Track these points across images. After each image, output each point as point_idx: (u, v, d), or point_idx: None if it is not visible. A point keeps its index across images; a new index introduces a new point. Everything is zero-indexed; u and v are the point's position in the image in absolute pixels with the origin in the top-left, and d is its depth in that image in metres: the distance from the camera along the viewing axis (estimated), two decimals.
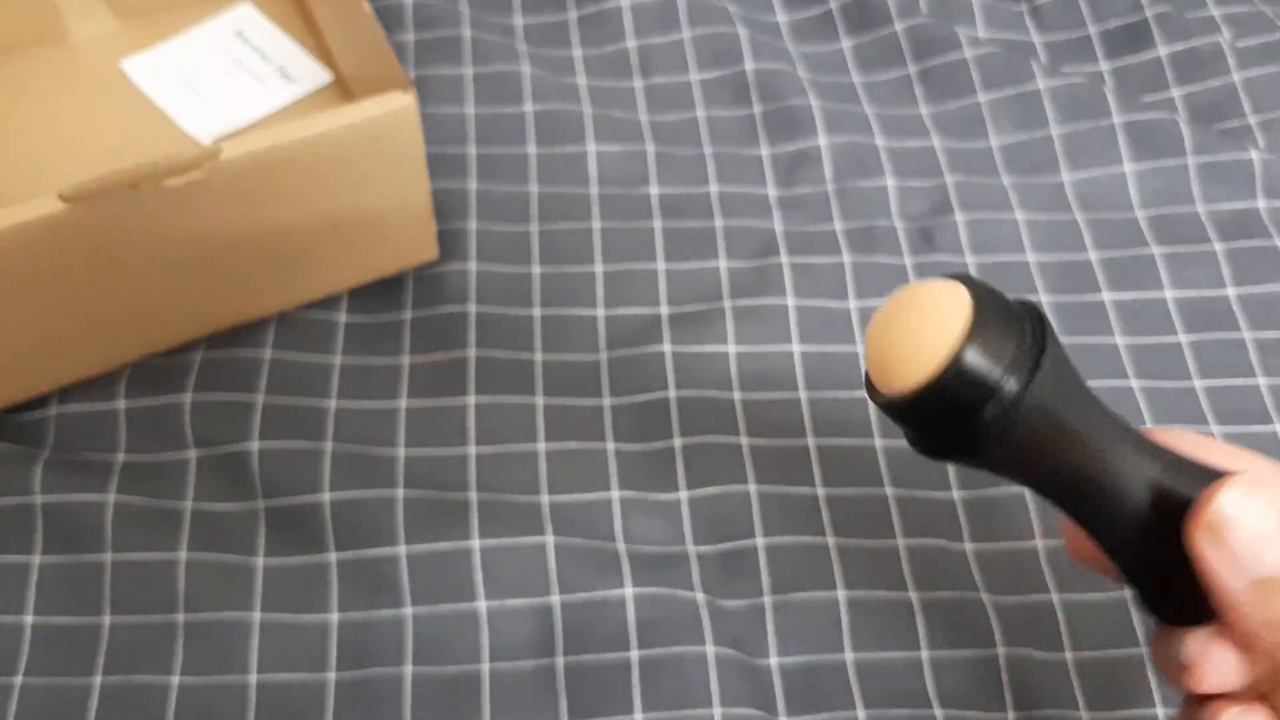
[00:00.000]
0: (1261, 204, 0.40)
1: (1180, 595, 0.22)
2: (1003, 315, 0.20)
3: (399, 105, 0.32)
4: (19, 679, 0.30)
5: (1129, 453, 0.21)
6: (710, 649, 0.30)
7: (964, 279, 0.21)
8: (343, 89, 0.41)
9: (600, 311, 0.37)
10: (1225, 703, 0.21)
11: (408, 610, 0.31)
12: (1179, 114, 0.42)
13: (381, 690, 0.30)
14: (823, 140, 0.41)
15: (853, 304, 0.37)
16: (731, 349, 0.36)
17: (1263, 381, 0.36)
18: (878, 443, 0.35)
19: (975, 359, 0.20)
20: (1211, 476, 0.21)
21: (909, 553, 0.33)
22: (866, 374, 0.22)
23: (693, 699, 0.30)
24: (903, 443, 0.34)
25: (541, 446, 0.34)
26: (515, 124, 0.41)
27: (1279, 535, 0.20)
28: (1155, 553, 0.21)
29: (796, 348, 0.36)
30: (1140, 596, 0.23)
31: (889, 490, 0.34)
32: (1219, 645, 0.21)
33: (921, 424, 0.21)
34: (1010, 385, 0.20)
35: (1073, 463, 0.21)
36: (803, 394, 0.35)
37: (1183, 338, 0.37)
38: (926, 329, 0.20)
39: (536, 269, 0.38)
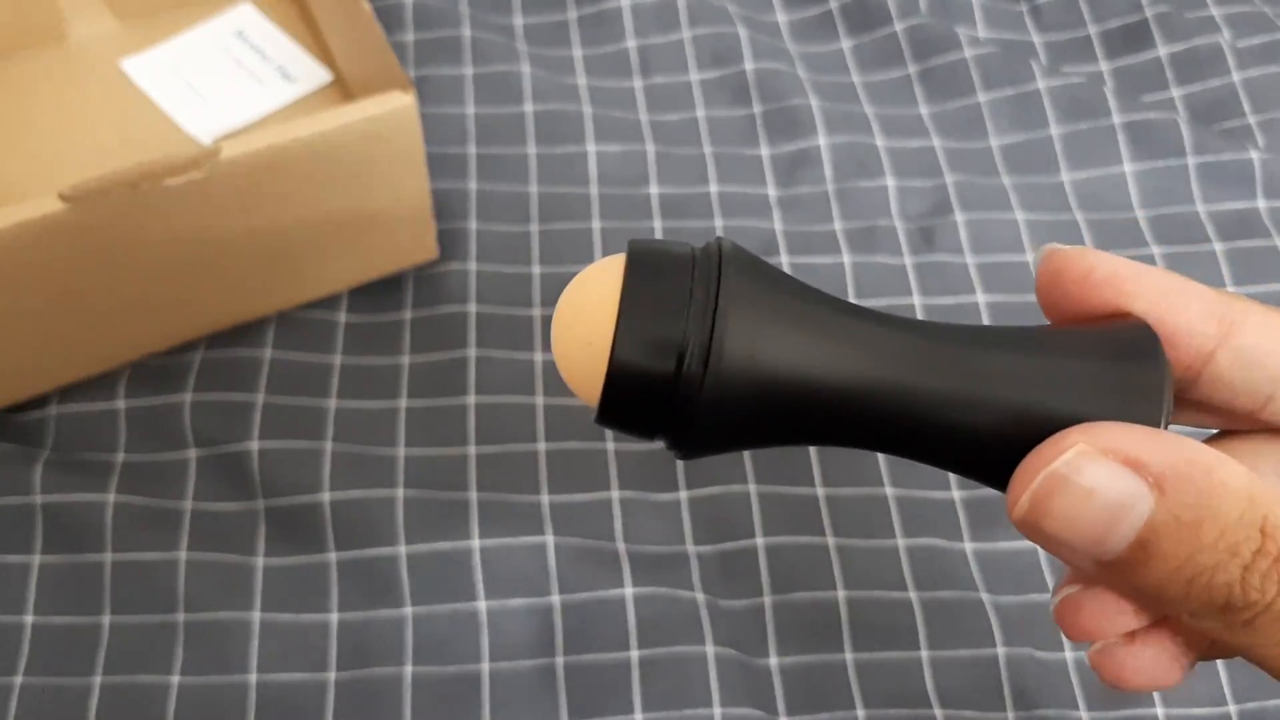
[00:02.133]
0: (1261, 204, 0.40)
1: None
2: (655, 284, 0.17)
3: (399, 105, 0.32)
4: (19, 679, 0.30)
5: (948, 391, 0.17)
6: (710, 649, 0.30)
7: (633, 245, 0.17)
8: (343, 89, 0.41)
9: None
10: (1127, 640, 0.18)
11: (408, 610, 0.31)
12: (1179, 114, 0.42)
13: (381, 690, 0.30)
14: (823, 140, 0.41)
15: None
16: None
17: None
18: None
19: (630, 345, 0.16)
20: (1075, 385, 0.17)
21: (909, 553, 0.33)
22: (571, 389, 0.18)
23: (693, 699, 0.30)
24: None
25: (541, 446, 0.34)
26: (515, 124, 0.41)
27: (1121, 511, 0.16)
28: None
29: None
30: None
31: (889, 490, 0.34)
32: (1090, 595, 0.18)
33: (639, 429, 0.18)
34: (694, 357, 0.16)
35: (818, 396, 0.17)
36: None
37: None
38: (584, 328, 0.17)
39: (536, 269, 0.38)
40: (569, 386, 0.18)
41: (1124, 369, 0.17)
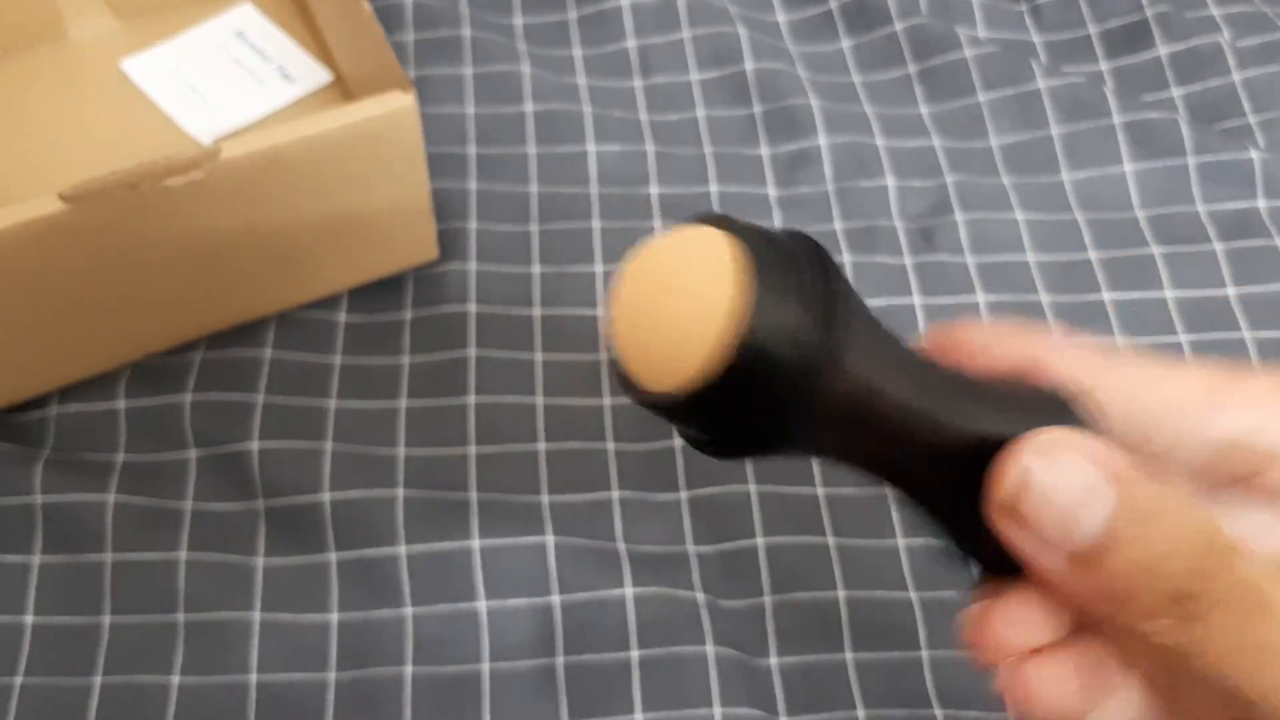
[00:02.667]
0: (1261, 203, 0.40)
1: (985, 548, 0.19)
2: (780, 262, 0.15)
3: (399, 105, 0.32)
4: (19, 679, 0.30)
5: (949, 397, 0.17)
6: (710, 649, 0.30)
7: (712, 220, 0.16)
8: (343, 89, 0.41)
9: (600, 311, 0.37)
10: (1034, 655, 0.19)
11: (408, 610, 0.31)
12: (1179, 113, 0.42)
13: (382, 690, 0.30)
14: (823, 140, 0.41)
15: None
16: None
17: None
18: None
19: (766, 331, 0.15)
20: (1027, 411, 0.18)
21: (909, 553, 0.33)
22: (617, 366, 0.17)
23: (693, 699, 0.30)
24: None
25: (541, 446, 0.34)
26: (515, 124, 0.41)
27: (1089, 496, 0.17)
28: (973, 506, 0.18)
29: None
30: (959, 552, 0.20)
31: (889, 490, 0.34)
32: (1018, 605, 0.19)
33: (709, 421, 0.16)
34: (814, 351, 0.15)
35: (893, 424, 0.17)
36: None
37: (1183, 337, 0.37)
38: (693, 303, 0.15)
39: (536, 269, 0.38)
40: (635, 366, 0.16)
41: (1057, 401, 0.18)
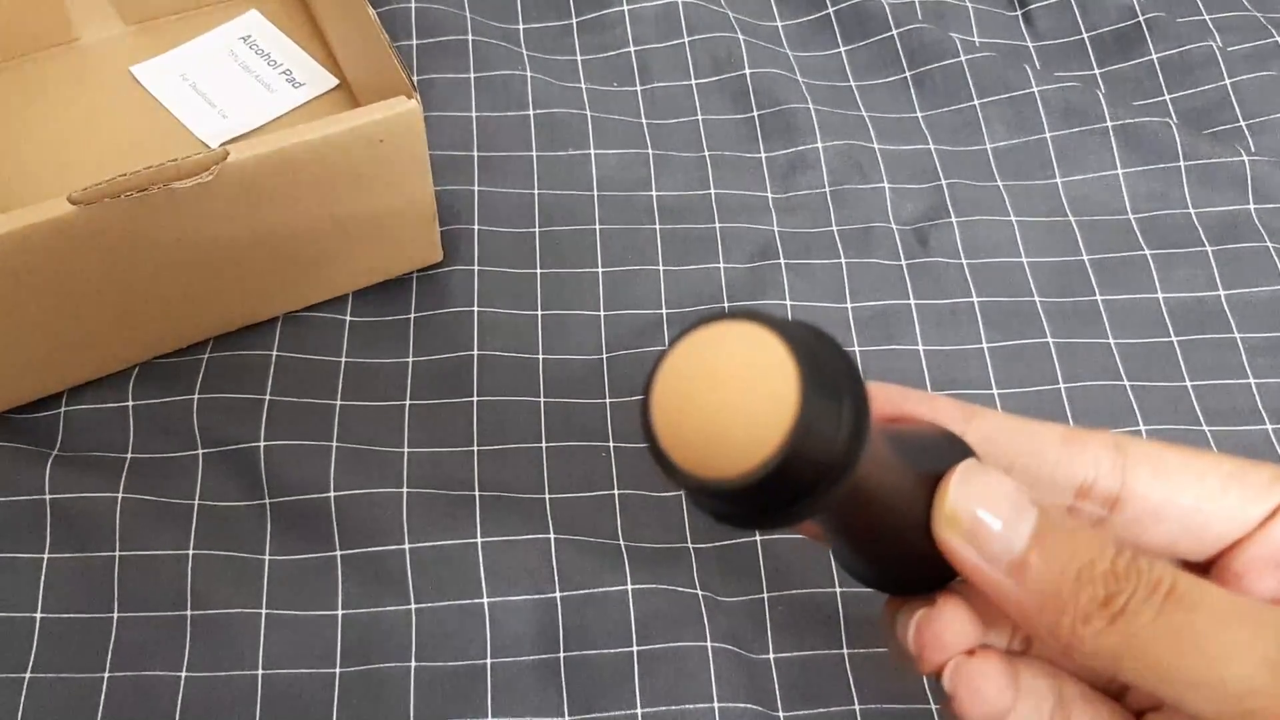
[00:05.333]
0: (1252, 206, 0.40)
1: (922, 572, 0.21)
2: (822, 362, 0.17)
3: (403, 109, 0.32)
4: (29, 674, 0.30)
5: (904, 467, 0.20)
6: (709, 644, 0.31)
7: (749, 316, 0.17)
8: (348, 94, 0.41)
9: (601, 312, 0.38)
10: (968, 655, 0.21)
11: (412, 605, 0.31)
12: (1170, 118, 0.42)
13: (386, 684, 0.30)
14: (820, 143, 0.41)
15: (850, 306, 0.38)
16: None
17: (1253, 381, 0.37)
18: None
19: (818, 426, 0.16)
20: (947, 450, 0.20)
21: None
22: (658, 448, 0.17)
23: (692, 693, 0.30)
24: None
25: (544, 445, 0.35)
26: (518, 127, 0.42)
27: (1016, 509, 0.19)
28: (911, 543, 0.20)
29: None
30: (879, 580, 0.22)
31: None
32: (951, 612, 0.21)
33: (745, 502, 0.17)
34: (846, 449, 0.17)
35: (881, 496, 0.19)
36: None
37: (1174, 339, 0.38)
38: (752, 401, 0.16)
39: (539, 270, 0.38)
40: (681, 454, 0.17)
41: (962, 443, 0.21)
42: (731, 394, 0.16)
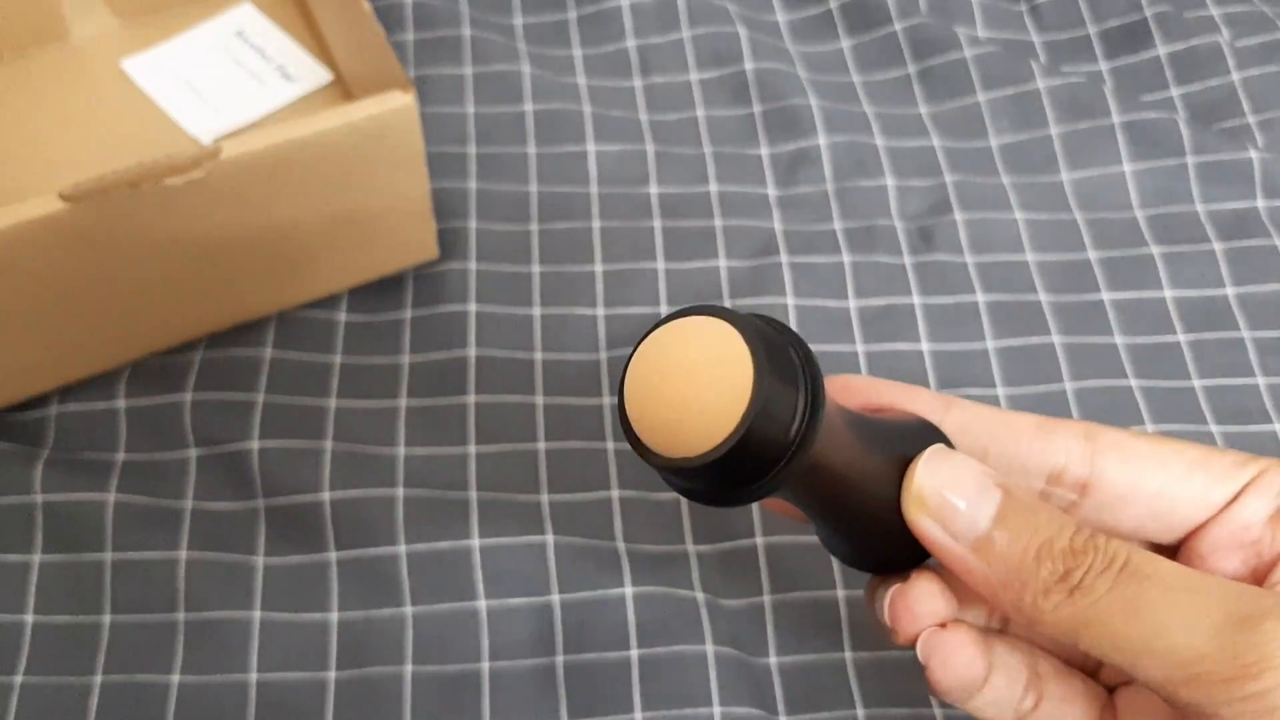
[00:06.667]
0: (1260, 203, 0.40)
1: (896, 551, 0.22)
2: (777, 352, 0.19)
3: (399, 105, 0.32)
4: (19, 678, 0.30)
5: (873, 451, 0.21)
6: (710, 648, 0.30)
7: (713, 311, 0.19)
8: (343, 88, 0.41)
9: (600, 311, 0.37)
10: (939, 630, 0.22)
11: (408, 609, 0.31)
12: (1178, 113, 0.42)
13: (381, 689, 0.30)
14: (822, 140, 0.41)
15: (852, 303, 0.38)
16: None
17: (1262, 381, 0.36)
18: None
19: (772, 410, 0.18)
20: (918, 435, 0.22)
21: None
22: (631, 430, 0.19)
23: (692, 698, 0.30)
24: None
25: (541, 445, 0.34)
26: (515, 123, 0.41)
27: (981, 490, 0.21)
28: (884, 522, 0.22)
29: None
30: (858, 558, 0.24)
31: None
32: (922, 588, 0.22)
33: (708, 479, 0.19)
34: (800, 426, 0.19)
35: (840, 470, 0.21)
36: None
37: (1182, 337, 0.37)
38: (710, 385, 0.18)
39: (536, 268, 0.38)
40: (650, 435, 0.19)
41: (934, 429, 0.23)
42: (694, 382, 0.19)
